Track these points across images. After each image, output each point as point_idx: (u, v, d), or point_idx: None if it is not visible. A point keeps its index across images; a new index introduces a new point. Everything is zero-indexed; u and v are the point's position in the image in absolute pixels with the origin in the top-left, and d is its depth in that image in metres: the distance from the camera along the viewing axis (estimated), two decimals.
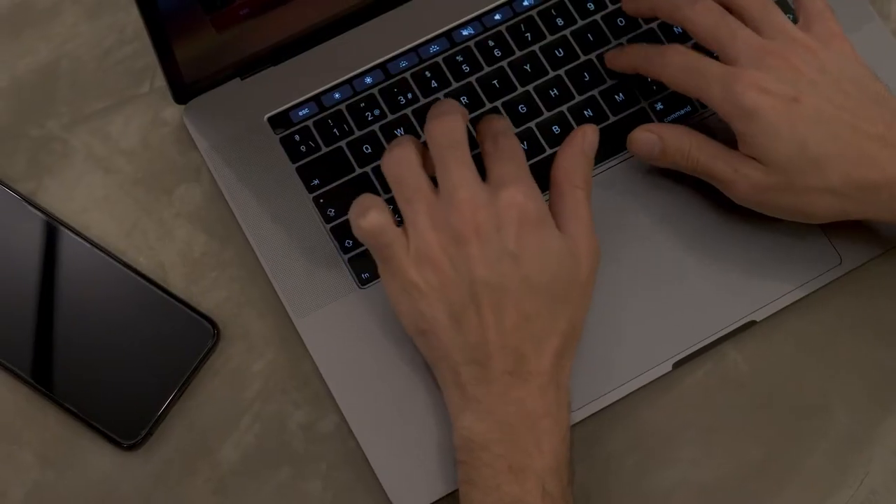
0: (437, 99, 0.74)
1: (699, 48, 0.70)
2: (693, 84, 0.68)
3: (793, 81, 0.66)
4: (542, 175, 0.70)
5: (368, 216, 0.64)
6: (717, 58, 0.69)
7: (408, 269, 0.63)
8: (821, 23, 0.69)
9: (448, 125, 0.65)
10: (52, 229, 0.72)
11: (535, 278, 0.63)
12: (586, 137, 0.68)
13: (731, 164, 0.68)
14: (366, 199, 0.65)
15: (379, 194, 0.71)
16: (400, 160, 0.65)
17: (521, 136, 0.73)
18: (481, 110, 0.74)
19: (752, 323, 0.71)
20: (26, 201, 0.72)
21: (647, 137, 0.70)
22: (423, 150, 0.67)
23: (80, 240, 0.71)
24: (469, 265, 0.62)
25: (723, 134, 0.70)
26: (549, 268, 0.64)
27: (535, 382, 0.63)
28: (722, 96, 0.67)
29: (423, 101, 0.74)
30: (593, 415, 0.69)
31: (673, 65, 0.69)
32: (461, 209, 0.63)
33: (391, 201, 0.68)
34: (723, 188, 0.69)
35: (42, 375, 0.69)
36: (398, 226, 0.65)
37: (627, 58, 0.72)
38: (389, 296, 0.65)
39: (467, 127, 0.66)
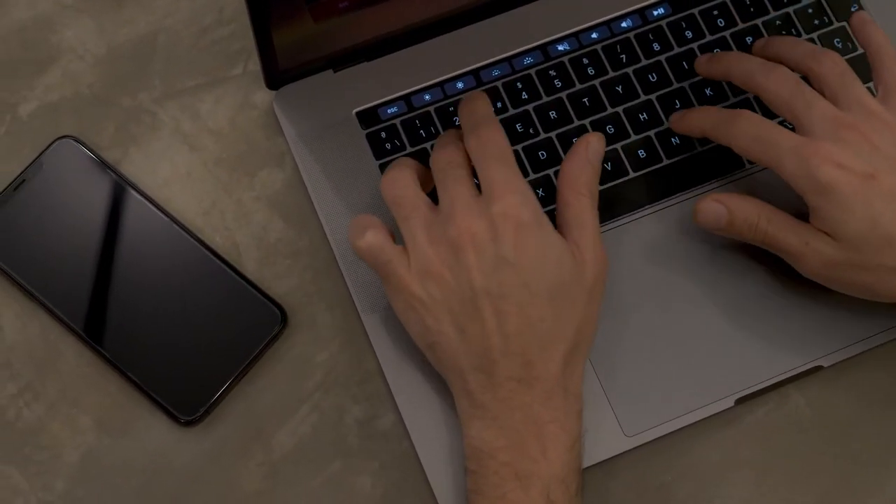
0: (527, 111, 0.74)
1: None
2: (765, 155, 0.66)
3: (869, 157, 0.65)
4: (619, 200, 0.71)
5: (366, 236, 0.65)
6: (790, 126, 0.68)
7: (410, 285, 0.64)
8: None
9: (447, 151, 0.67)
10: (133, 200, 0.72)
11: (536, 284, 0.63)
12: (591, 146, 0.67)
13: (802, 237, 0.66)
14: (362, 220, 0.66)
15: None
16: (396, 180, 0.66)
17: (606, 157, 0.73)
18: (569, 126, 0.74)
19: (819, 368, 0.70)
20: (111, 169, 0.73)
21: (715, 208, 0.68)
22: (424, 172, 0.68)
23: (159, 213, 0.72)
24: (468, 275, 0.63)
25: (778, 190, 0.69)
26: (549, 273, 0.63)
27: (540, 388, 0.62)
28: (796, 169, 0.65)
29: (511, 111, 0.74)
30: (650, 442, 0.69)
31: (745, 134, 0.67)
32: (457, 221, 0.63)
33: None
34: (791, 261, 0.68)
35: (108, 342, 0.70)
36: (396, 244, 0.65)
37: (695, 122, 0.71)
38: (396, 313, 0.66)
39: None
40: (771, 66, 0.68)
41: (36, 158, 0.73)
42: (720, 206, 0.68)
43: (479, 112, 0.67)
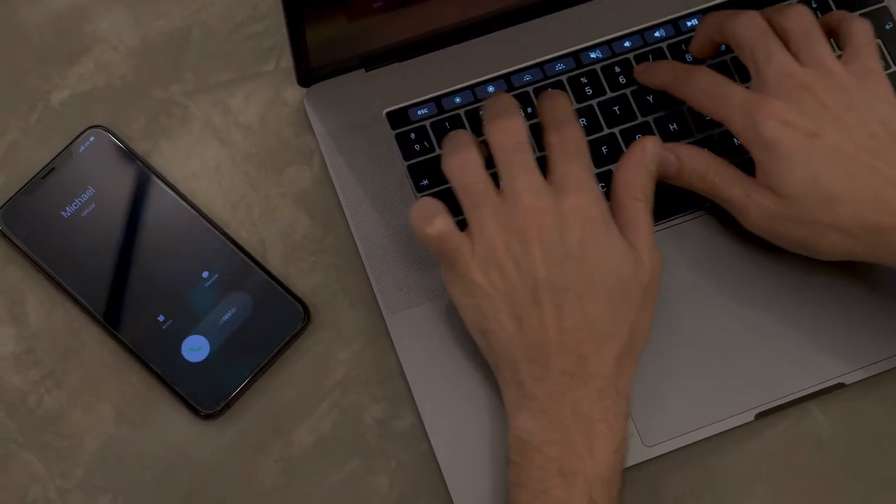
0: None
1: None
2: (716, 108, 0.68)
3: (817, 116, 0.65)
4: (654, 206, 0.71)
5: (435, 223, 0.65)
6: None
7: (473, 271, 0.64)
8: (860, 59, 0.68)
9: (510, 126, 0.66)
10: (161, 191, 0.73)
11: (598, 281, 0.63)
12: (646, 150, 0.68)
13: (746, 189, 0.67)
14: (428, 205, 0.66)
15: None
16: (465, 166, 0.66)
17: None
18: (599, 134, 0.74)
19: (841, 385, 0.70)
20: (140, 160, 0.73)
21: (665, 156, 0.69)
22: (484, 149, 0.67)
23: (186, 205, 0.72)
24: (533, 267, 0.63)
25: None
26: (611, 271, 0.64)
27: (593, 385, 0.63)
28: (743, 123, 0.66)
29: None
30: (668, 453, 0.69)
31: (698, 87, 0.69)
32: (526, 213, 0.64)
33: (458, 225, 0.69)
34: (735, 213, 0.69)
35: (131, 333, 0.70)
36: (461, 229, 0.66)
37: (656, 74, 0.73)
38: (452, 297, 0.66)
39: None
40: (743, 10, 0.69)
41: (66, 147, 0.73)
42: (671, 154, 0.69)
43: (560, 108, 0.68)
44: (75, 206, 0.72)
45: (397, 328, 0.70)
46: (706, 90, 0.68)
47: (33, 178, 0.72)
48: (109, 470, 0.70)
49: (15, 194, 0.72)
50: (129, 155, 0.73)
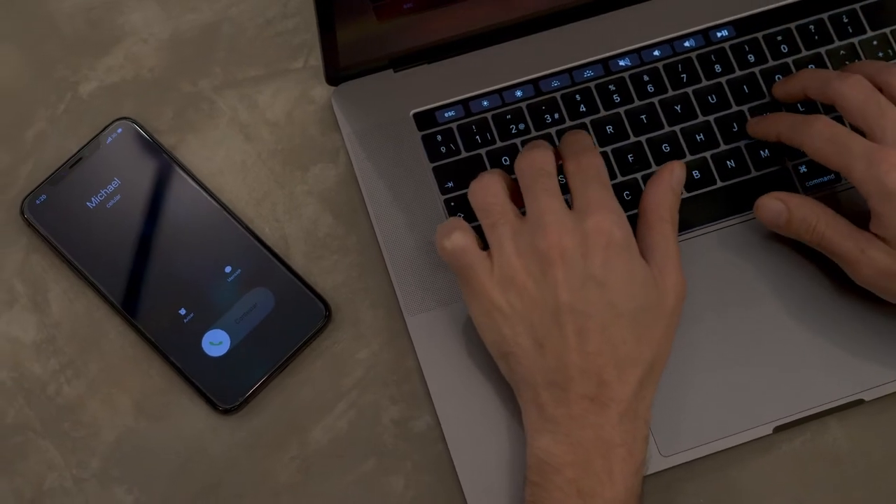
0: (583, 123, 0.74)
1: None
2: (836, 157, 0.67)
3: None
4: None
5: (453, 237, 0.65)
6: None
7: (491, 292, 0.64)
8: None
9: (537, 157, 0.66)
10: (186, 185, 0.73)
11: (621, 305, 0.63)
12: (674, 174, 0.68)
13: (859, 243, 0.67)
14: (452, 221, 0.66)
15: None
16: (487, 188, 0.66)
17: None
18: (625, 142, 0.74)
19: (860, 401, 0.70)
20: (166, 153, 0.73)
21: (775, 205, 0.69)
22: (512, 183, 0.67)
23: (210, 200, 0.72)
24: (554, 289, 0.63)
25: (855, 209, 0.69)
26: (634, 295, 0.64)
27: (614, 409, 0.62)
28: (865, 173, 0.66)
29: (568, 122, 0.74)
30: (685, 463, 0.69)
31: (819, 135, 0.68)
32: (547, 234, 0.63)
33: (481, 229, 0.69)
34: (846, 267, 0.68)
35: (152, 325, 0.70)
36: (483, 249, 0.65)
37: (771, 125, 0.72)
38: (473, 318, 0.66)
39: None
40: (847, 73, 0.69)
41: (93, 138, 0.73)
42: (780, 204, 0.69)
43: (579, 140, 0.68)
44: (101, 196, 0.72)
45: (417, 329, 0.70)
46: (828, 139, 0.67)
47: (60, 167, 0.73)
48: (126, 461, 0.70)
49: (41, 183, 0.72)
50: (156, 147, 0.73)
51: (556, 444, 0.62)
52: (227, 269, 0.71)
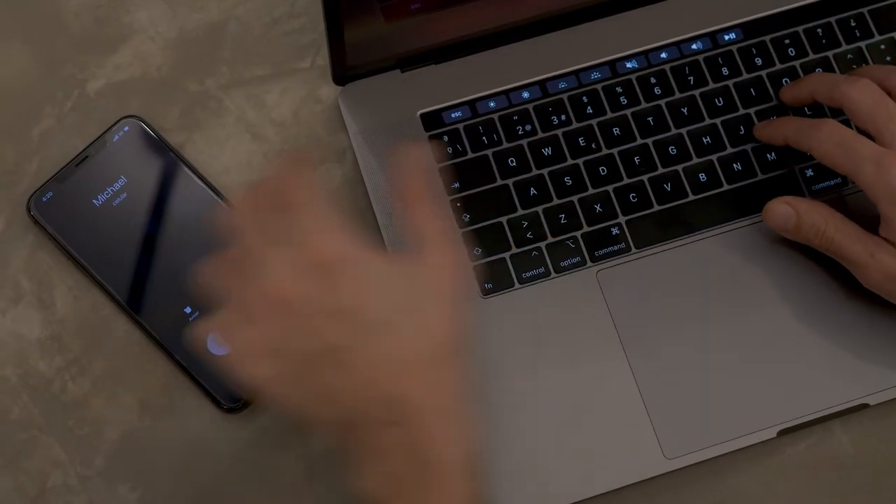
0: (590, 126, 0.74)
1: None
2: (844, 160, 0.67)
3: None
4: (676, 222, 0.71)
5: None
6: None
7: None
8: None
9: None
10: (193, 184, 0.73)
11: (374, 315, 0.56)
12: (409, 154, 0.61)
13: (868, 247, 0.67)
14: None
15: (515, 207, 0.72)
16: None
17: (666, 178, 0.73)
18: (632, 144, 0.74)
19: (865, 406, 0.70)
20: (173, 152, 0.73)
21: (784, 210, 0.69)
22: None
23: (217, 199, 0.72)
24: (293, 342, 0.56)
25: (862, 213, 0.69)
26: (382, 300, 0.56)
27: (414, 422, 0.56)
28: (873, 176, 0.66)
29: (574, 124, 0.74)
30: (689, 466, 0.69)
31: (827, 139, 0.68)
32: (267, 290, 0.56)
33: (527, 218, 0.69)
34: (855, 271, 0.69)
35: (157, 323, 0.70)
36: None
37: (779, 129, 0.72)
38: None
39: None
40: (855, 77, 0.69)
41: (100, 136, 0.73)
42: (790, 208, 0.69)
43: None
44: (107, 194, 0.72)
45: None
46: (837, 142, 0.67)
47: (66, 165, 0.73)
48: (130, 459, 0.70)
49: (48, 181, 0.72)
50: (163, 146, 0.73)
51: (370, 479, 0.56)
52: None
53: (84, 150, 0.73)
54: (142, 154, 0.73)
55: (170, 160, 0.73)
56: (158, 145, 0.73)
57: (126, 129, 0.73)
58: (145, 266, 0.71)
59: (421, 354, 0.57)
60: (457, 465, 0.56)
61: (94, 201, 0.72)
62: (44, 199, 0.72)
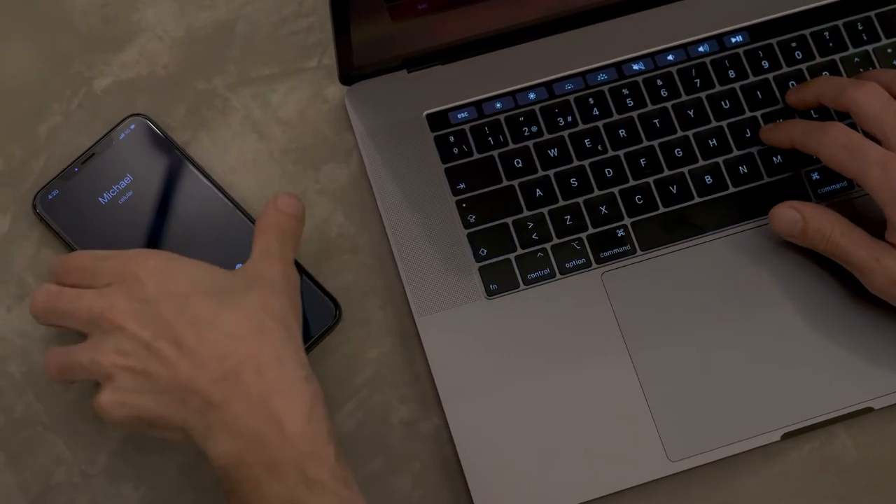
0: (596, 127, 0.74)
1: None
2: (852, 164, 0.67)
3: None
4: (682, 224, 0.71)
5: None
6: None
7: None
8: None
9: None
10: (199, 182, 0.73)
11: (175, 295, 0.61)
12: (278, 201, 0.67)
13: (874, 252, 0.67)
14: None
15: (521, 209, 0.72)
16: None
17: (672, 180, 0.73)
18: (638, 146, 0.74)
19: (869, 410, 0.70)
20: (179, 150, 0.73)
21: (790, 214, 0.69)
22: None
23: (223, 197, 0.72)
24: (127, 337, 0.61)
25: (870, 218, 0.69)
26: (178, 281, 0.62)
27: (248, 371, 0.59)
28: (880, 180, 0.66)
29: (581, 126, 0.74)
30: (692, 469, 0.69)
31: (834, 142, 0.68)
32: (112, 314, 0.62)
33: (532, 220, 0.69)
34: (860, 276, 0.69)
35: None
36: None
37: (785, 131, 0.72)
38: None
39: None
40: (862, 81, 0.69)
41: (107, 134, 0.73)
42: (796, 213, 0.69)
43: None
44: (113, 192, 0.72)
45: (427, 330, 0.70)
46: (844, 145, 0.67)
47: (73, 162, 0.73)
48: (133, 459, 0.70)
49: (54, 178, 0.72)
50: (169, 144, 0.73)
51: (224, 442, 0.59)
52: (238, 266, 0.71)
53: (90, 147, 0.73)
54: (148, 152, 0.73)
55: (176, 159, 0.73)
56: (165, 144, 0.73)
57: (132, 127, 0.74)
58: None
59: (236, 330, 0.60)
60: (292, 380, 0.60)
61: (99, 199, 0.72)
62: (49, 197, 0.72)
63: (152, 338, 0.60)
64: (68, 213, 0.72)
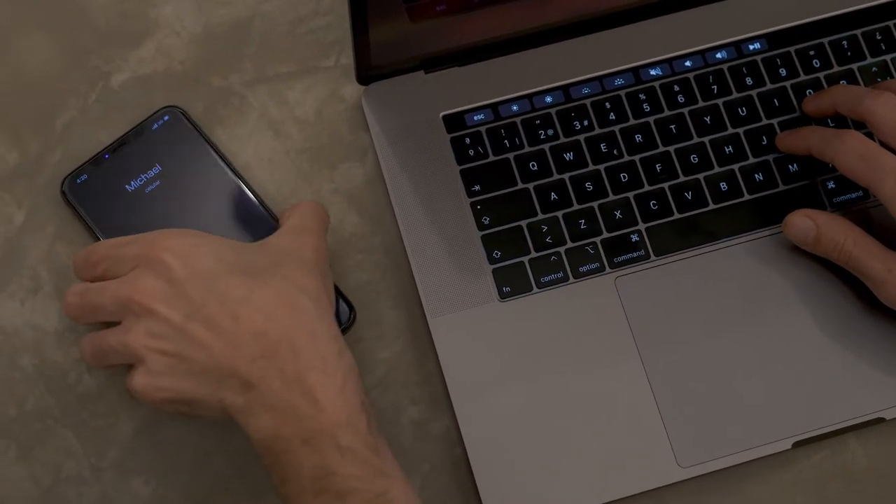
0: (613, 132, 0.74)
1: None
2: (868, 173, 0.67)
3: None
4: (696, 231, 0.71)
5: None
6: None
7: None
8: None
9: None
10: (226, 177, 0.72)
11: (198, 269, 0.62)
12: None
13: (887, 263, 0.67)
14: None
15: (535, 212, 0.72)
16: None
17: (687, 186, 0.73)
18: (654, 151, 0.74)
19: (881, 420, 0.70)
20: (210, 145, 0.73)
21: (803, 223, 0.70)
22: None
23: (249, 195, 0.72)
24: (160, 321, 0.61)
25: (885, 227, 0.69)
26: (204, 259, 0.62)
27: (283, 348, 0.60)
28: (895, 190, 0.66)
29: (597, 130, 0.74)
30: (703, 475, 0.69)
31: (851, 150, 0.68)
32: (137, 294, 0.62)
33: (546, 223, 0.69)
34: (872, 286, 0.69)
35: None
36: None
37: (802, 138, 0.72)
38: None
39: None
40: (879, 91, 0.69)
41: (140, 123, 0.73)
42: (810, 222, 0.69)
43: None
44: (140, 181, 0.72)
45: (439, 331, 0.70)
46: (860, 154, 0.67)
47: (104, 149, 0.73)
48: (144, 453, 0.70)
49: (84, 163, 0.72)
50: (201, 139, 0.73)
51: (261, 417, 0.59)
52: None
53: (122, 136, 0.73)
54: (179, 144, 0.73)
55: (205, 152, 0.73)
56: (197, 138, 0.73)
57: (166, 118, 0.74)
58: None
59: (268, 307, 0.61)
60: (325, 356, 0.60)
61: (126, 187, 0.72)
62: (78, 182, 0.72)
63: (184, 320, 0.60)
64: (95, 198, 0.72)
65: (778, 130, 0.74)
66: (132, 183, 0.72)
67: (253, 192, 0.72)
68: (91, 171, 0.72)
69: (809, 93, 0.75)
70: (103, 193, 0.72)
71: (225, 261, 0.62)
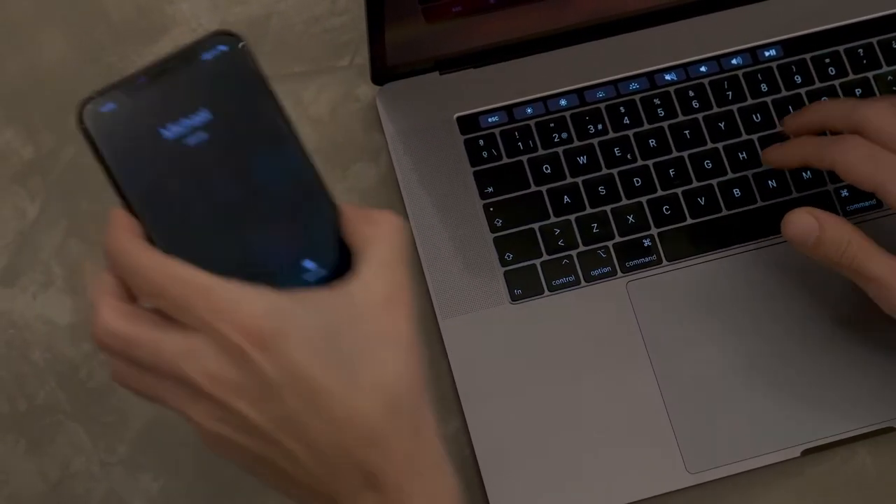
0: (626, 136, 0.74)
1: None
2: (875, 175, 0.64)
3: None
4: (714, 235, 0.71)
5: None
6: None
7: None
8: None
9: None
10: (288, 145, 0.55)
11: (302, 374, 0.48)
12: None
13: (891, 268, 0.64)
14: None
15: (548, 215, 0.72)
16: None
17: (700, 191, 0.73)
18: (668, 156, 0.74)
19: (891, 429, 0.70)
20: (274, 100, 0.54)
21: (806, 221, 0.65)
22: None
23: (311, 169, 0.56)
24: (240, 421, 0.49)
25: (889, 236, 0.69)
26: (315, 364, 0.48)
27: (388, 486, 0.50)
28: None
29: (611, 134, 0.74)
30: (711, 482, 0.69)
31: (855, 151, 0.65)
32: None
33: (559, 226, 0.69)
34: (875, 293, 0.65)
35: None
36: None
37: (797, 148, 0.69)
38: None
39: None
40: (872, 99, 0.67)
41: (187, 46, 0.51)
42: (813, 220, 0.65)
43: None
44: (182, 127, 0.51)
45: (450, 332, 0.70)
46: (867, 154, 0.64)
47: (137, 73, 0.51)
48: (153, 450, 0.70)
49: (110, 88, 0.50)
50: (265, 89, 0.53)
51: None
52: (308, 265, 0.53)
53: (164, 58, 0.51)
54: (236, 88, 0.52)
55: (269, 108, 0.53)
56: (259, 85, 0.53)
57: (222, 48, 0.52)
58: (204, 234, 0.51)
59: (374, 414, 0.49)
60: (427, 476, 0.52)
61: (162, 131, 0.50)
62: (102, 110, 0.50)
63: (272, 430, 0.48)
64: (120, 137, 0.50)
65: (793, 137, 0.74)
66: (170, 127, 0.50)
67: (314, 167, 0.55)
68: (120, 99, 0.50)
69: (825, 101, 0.75)
70: (131, 133, 0.50)
71: (318, 351, 0.48)
